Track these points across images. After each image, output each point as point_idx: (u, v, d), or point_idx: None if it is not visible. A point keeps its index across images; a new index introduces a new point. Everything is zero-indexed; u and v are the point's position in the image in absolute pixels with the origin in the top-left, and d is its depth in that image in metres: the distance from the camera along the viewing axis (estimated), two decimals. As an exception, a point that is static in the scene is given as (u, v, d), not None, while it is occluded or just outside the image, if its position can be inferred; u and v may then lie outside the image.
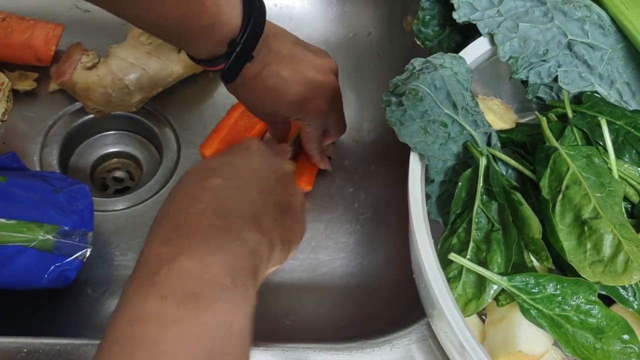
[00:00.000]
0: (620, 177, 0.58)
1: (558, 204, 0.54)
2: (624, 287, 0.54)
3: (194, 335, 0.42)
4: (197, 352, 0.42)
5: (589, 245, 0.53)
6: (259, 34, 0.63)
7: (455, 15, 0.61)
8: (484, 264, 0.55)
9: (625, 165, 0.58)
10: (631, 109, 0.64)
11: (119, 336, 0.42)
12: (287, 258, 0.55)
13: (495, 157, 0.59)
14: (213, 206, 0.49)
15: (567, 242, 0.53)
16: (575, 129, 0.59)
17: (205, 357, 0.42)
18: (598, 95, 0.63)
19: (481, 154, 0.58)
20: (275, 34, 0.67)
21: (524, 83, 0.64)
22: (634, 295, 0.54)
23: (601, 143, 0.59)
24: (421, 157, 0.58)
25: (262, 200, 0.53)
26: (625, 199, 0.58)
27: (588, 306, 0.53)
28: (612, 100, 0.64)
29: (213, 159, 0.57)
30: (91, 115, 0.86)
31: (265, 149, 0.59)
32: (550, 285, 0.53)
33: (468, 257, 0.55)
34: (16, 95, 0.86)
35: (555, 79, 0.63)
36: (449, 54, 0.60)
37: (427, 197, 0.59)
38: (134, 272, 0.45)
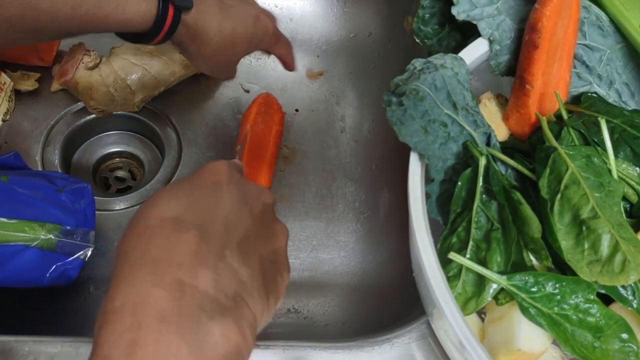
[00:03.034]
0: (619, 177, 0.58)
1: (557, 203, 0.55)
2: (623, 286, 0.54)
3: None
4: None
5: (586, 245, 0.53)
6: None
7: (454, 11, 0.61)
8: (483, 263, 0.55)
9: (624, 165, 0.58)
10: (630, 109, 0.64)
11: None
12: (275, 308, 0.46)
13: (494, 157, 0.60)
14: (183, 297, 0.38)
15: (565, 241, 0.53)
16: (571, 130, 0.59)
17: None
18: (596, 95, 0.64)
19: (481, 153, 0.58)
20: None
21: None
22: (634, 294, 0.54)
23: (596, 140, 0.59)
24: (421, 156, 0.58)
25: (244, 266, 0.42)
26: (624, 198, 0.58)
27: (587, 305, 0.53)
28: (611, 101, 0.64)
29: (176, 197, 0.43)
30: (93, 115, 0.86)
31: (237, 174, 0.48)
32: (550, 284, 0.53)
33: (468, 256, 0.55)
34: (18, 95, 0.86)
35: (555, 79, 0.63)
36: (450, 54, 0.60)
37: (427, 196, 0.59)
38: None
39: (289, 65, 0.81)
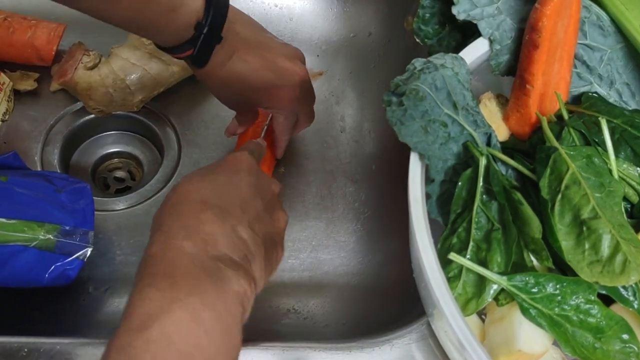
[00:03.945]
0: (619, 177, 0.58)
1: (557, 203, 0.54)
2: (624, 287, 0.54)
3: None
4: None
5: (587, 246, 0.53)
6: (224, 14, 0.62)
7: (454, 11, 0.61)
8: (483, 263, 0.55)
9: (625, 165, 0.58)
10: (630, 109, 0.64)
11: None
12: (267, 281, 0.55)
13: (495, 157, 0.59)
14: (206, 252, 0.48)
15: (565, 242, 0.53)
16: (572, 130, 0.59)
17: None
18: (597, 95, 0.64)
19: (481, 153, 0.58)
20: (241, 20, 0.67)
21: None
22: (634, 295, 0.54)
23: (597, 140, 0.59)
24: (421, 156, 0.58)
25: (253, 239, 0.52)
26: (625, 199, 0.58)
27: (587, 306, 0.53)
28: (611, 101, 0.64)
29: (200, 183, 0.54)
30: (92, 115, 0.86)
31: (255, 166, 0.59)
32: (550, 284, 0.53)
33: (468, 256, 0.55)
34: (17, 95, 0.86)
35: (555, 79, 0.63)
36: (450, 54, 0.60)
37: (427, 196, 0.59)
38: (126, 318, 0.43)
39: (276, 141, 0.80)
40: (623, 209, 0.56)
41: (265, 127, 0.81)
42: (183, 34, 0.61)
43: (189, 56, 0.63)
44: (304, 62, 0.73)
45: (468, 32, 0.65)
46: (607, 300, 0.54)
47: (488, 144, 0.60)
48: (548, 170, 0.56)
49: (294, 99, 0.72)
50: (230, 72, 0.67)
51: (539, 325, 0.53)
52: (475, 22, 0.61)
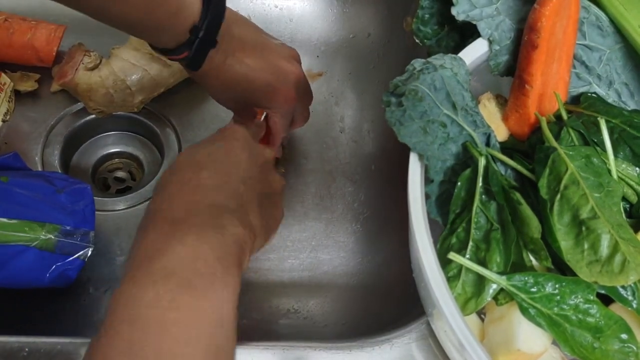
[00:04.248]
0: (618, 177, 0.58)
1: (556, 203, 0.55)
2: (623, 286, 0.54)
3: (193, 321, 0.43)
4: (200, 338, 0.43)
5: (586, 245, 0.53)
6: (221, 18, 0.62)
7: (453, 12, 0.61)
8: (483, 263, 0.55)
9: (624, 165, 0.59)
10: (629, 109, 0.64)
11: (117, 330, 0.43)
12: (267, 242, 0.58)
13: (494, 157, 0.60)
14: (203, 200, 0.51)
15: (564, 241, 0.53)
16: (571, 130, 0.59)
17: (207, 340, 0.43)
18: (596, 95, 0.64)
19: (480, 154, 0.58)
20: (237, 22, 0.67)
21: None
22: (633, 294, 0.54)
23: (596, 140, 0.59)
24: (421, 157, 0.58)
25: (247, 192, 0.55)
26: (624, 199, 0.58)
27: (586, 305, 0.53)
28: (610, 101, 0.64)
29: (198, 149, 0.58)
30: (93, 116, 0.86)
31: (248, 135, 0.61)
32: (549, 284, 0.53)
33: (467, 256, 0.55)
34: (18, 95, 0.86)
35: (554, 80, 0.63)
36: (450, 55, 0.60)
37: (427, 196, 0.59)
38: (129, 261, 0.47)
39: (272, 140, 0.79)
40: (622, 209, 0.57)
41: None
42: (179, 37, 0.61)
43: (184, 59, 0.63)
44: (300, 62, 0.74)
45: (467, 32, 0.65)
46: (606, 299, 0.54)
47: (487, 144, 0.60)
48: (547, 170, 0.56)
49: (290, 98, 0.72)
50: (227, 74, 0.67)
51: (538, 324, 0.53)
52: (474, 22, 0.61)
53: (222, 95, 0.71)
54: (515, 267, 0.55)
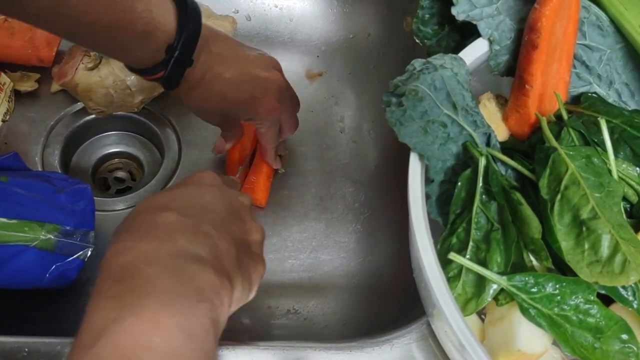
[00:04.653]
0: (619, 177, 0.58)
1: (557, 204, 0.55)
2: (623, 287, 0.54)
3: None
4: None
5: (586, 246, 0.53)
6: (196, 37, 0.62)
7: (453, 12, 0.61)
8: (483, 263, 0.55)
9: (624, 165, 0.58)
10: (630, 109, 0.64)
11: None
12: (249, 297, 0.50)
13: (494, 157, 0.59)
14: (166, 248, 0.44)
15: (565, 242, 0.53)
16: (571, 130, 0.59)
17: None
18: (596, 95, 0.64)
19: (480, 154, 0.58)
20: (213, 37, 0.67)
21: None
22: (634, 295, 0.54)
23: (596, 140, 0.59)
24: (421, 157, 0.58)
25: (219, 237, 0.47)
26: (624, 199, 0.58)
27: (587, 306, 0.53)
28: (610, 101, 0.64)
29: (163, 193, 0.51)
30: (93, 116, 0.86)
31: (219, 181, 0.55)
32: (550, 284, 0.53)
33: (468, 256, 0.55)
34: (18, 95, 0.86)
35: (555, 80, 0.63)
36: (450, 55, 0.60)
37: (427, 197, 0.59)
38: (78, 332, 0.40)
39: (264, 152, 0.80)
40: (622, 209, 0.56)
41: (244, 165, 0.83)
42: (154, 56, 0.61)
43: (160, 78, 0.63)
44: (280, 71, 0.74)
45: (467, 32, 0.65)
46: (606, 300, 0.54)
47: (487, 144, 0.60)
48: (547, 171, 0.56)
49: (273, 108, 0.72)
50: (207, 90, 0.67)
51: (539, 325, 0.53)
52: (474, 22, 0.61)
53: (204, 111, 0.71)
54: (515, 267, 0.55)
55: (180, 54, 0.61)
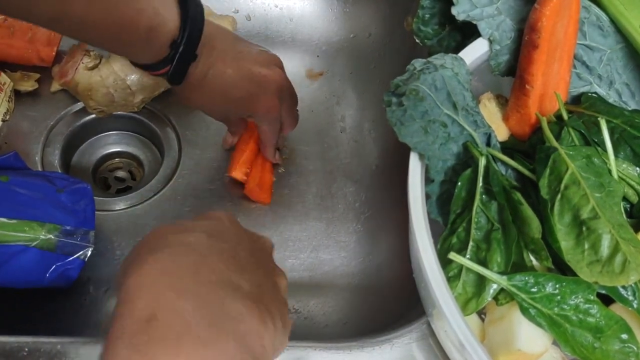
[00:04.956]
0: (619, 177, 0.58)
1: (557, 203, 0.55)
2: (623, 286, 0.54)
3: None
4: None
5: (586, 246, 0.53)
6: (200, 33, 0.63)
7: (454, 11, 0.61)
8: (483, 263, 0.55)
9: (624, 165, 0.58)
10: (630, 109, 0.64)
11: None
12: (283, 347, 0.44)
13: (494, 157, 0.60)
14: (203, 273, 0.38)
15: (565, 242, 0.53)
16: (571, 130, 0.59)
17: None
18: (596, 96, 0.64)
19: (481, 153, 0.58)
20: (216, 34, 0.67)
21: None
22: (634, 294, 0.54)
23: (597, 140, 0.59)
24: (421, 156, 0.58)
25: (257, 268, 0.43)
26: (624, 199, 0.58)
27: (587, 305, 0.53)
28: (611, 101, 0.64)
29: (180, 221, 0.44)
30: (93, 115, 0.86)
31: (236, 221, 0.48)
32: (550, 284, 0.53)
33: (468, 256, 0.55)
34: (18, 95, 0.86)
35: (555, 80, 0.63)
36: (450, 54, 0.60)
37: (427, 196, 0.59)
38: None
39: (264, 149, 0.80)
40: (622, 209, 0.56)
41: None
42: (159, 52, 0.62)
43: (165, 73, 0.63)
44: (282, 68, 0.74)
45: (468, 32, 0.65)
46: (606, 300, 0.54)
47: (488, 144, 0.60)
48: (547, 170, 0.56)
49: (273, 106, 0.72)
50: (210, 86, 0.67)
51: (539, 324, 0.53)
52: (475, 22, 0.61)
53: (208, 107, 0.72)
54: (515, 267, 0.55)
55: (184, 49, 0.62)
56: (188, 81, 0.65)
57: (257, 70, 0.70)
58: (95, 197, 0.74)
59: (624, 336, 0.52)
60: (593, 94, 0.64)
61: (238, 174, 0.83)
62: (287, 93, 0.75)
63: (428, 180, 0.59)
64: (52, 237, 0.68)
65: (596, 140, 0.59)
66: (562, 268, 0.55)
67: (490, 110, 0.64)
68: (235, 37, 0.71)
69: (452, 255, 0.54)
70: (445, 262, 0.55)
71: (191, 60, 0.63)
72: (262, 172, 0.84)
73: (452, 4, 0.61)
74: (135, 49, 0.62)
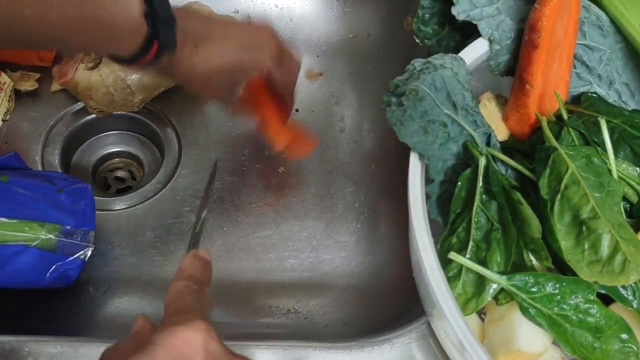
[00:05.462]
0: (619, 177, 0.58)
1: (557, 203, 0.55)
2: (623, 286, 0.54)
3: None
4: None
5: (586, 245, 0.53)
6: (172, 20, 0.60)
7: (454, 11, 0.61)
8: (483, 263, 0.55)
9: (624, 165, 0.59)
10: (630, 109, 0.64)
11: None
12: None
13: (494, 157, 0.60)
14: None
15: (565, 241, 0.53)
16: (571, 130, 0.59)
17: None
18: (596, 95, 0.64)
19: (480, 153, 0.58)
20: (186, 16, 0.64)
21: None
22: (634, 294, 0.54)
23: (596, 140, 0.59)
24: (421, 156, 0.58)
25: None
26: (624, 198, 0.58)
27: (587, 305, 0.53)
28: (610, 101, 0.64)
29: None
30: (93, 115, 0.86)
31: (214, 347, 0.43)
32: (549, 284, 0.53)
33: (468, 256, 0.55)
34: (18, 95, 0.86)
35: (555, 80, 0.63)
36: (450, 54, 0.60)
37: (427, 196, 0.59)
38: None
39: (288, 98, 0.77)
40: (622, 209, 0.56)
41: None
42: (139, 33, 0.58)
43: (159, 48, 0.60)
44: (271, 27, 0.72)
45: (467, 32, 0.65)
46: (606, 299, 0.54)
47: (487, 144, 0.60)
48: (547, 170, 0.56)
49: (272, 43, 0.70)
50: (205, 54, 0.65)
51: (539, 324, 0.53)
52: (474, 22, 0.61)
53: (215, 79, 0.68)
54: (515, 267, 0.55)
55: (161, 15, 0.59)
56: (182, 55, 0.63)
57: (242, 25, 0.70)
58: (95, 197, 0.74)
59: (624, 336, 0.52)
60: (593, 94, 0.64)
61: (282, 140, 0.78)
62: (277, 37, 0.72)
63: (428, 180, 0.59)
64: (52, 237, 0.68)
65: (596, 140, 0.59)
66: (562, 268, 0.55)
67: (490, 110, 0.64)
68: (206, 16, 0.71)
69: (452, 255, 0.54)
70: (445, 262, 0.55)
71: (173, 22, 0.61)
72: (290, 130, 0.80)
73: (452, 4, 0.61)
74: (113, 42, 0.58)
